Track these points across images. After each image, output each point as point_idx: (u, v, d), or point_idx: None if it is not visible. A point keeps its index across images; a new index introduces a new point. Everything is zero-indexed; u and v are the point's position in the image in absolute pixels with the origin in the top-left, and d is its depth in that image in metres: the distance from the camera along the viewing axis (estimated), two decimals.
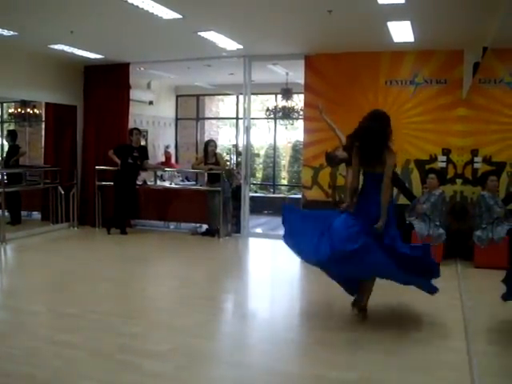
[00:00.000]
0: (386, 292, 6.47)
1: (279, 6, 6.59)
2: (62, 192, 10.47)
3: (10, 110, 13.46)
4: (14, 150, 10.90)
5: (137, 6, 6.43)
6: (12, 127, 13.09)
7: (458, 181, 8.74)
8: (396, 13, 6.58)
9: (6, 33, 7.97)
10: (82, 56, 9.73)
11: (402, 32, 7.55)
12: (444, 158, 8.79)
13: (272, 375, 4.12)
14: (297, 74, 10.61)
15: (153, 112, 14.39)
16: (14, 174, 10.26)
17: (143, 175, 10.73)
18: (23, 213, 11.06)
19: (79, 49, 9.23)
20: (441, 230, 7.80)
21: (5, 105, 13.87)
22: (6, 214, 9.59)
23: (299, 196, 10.71)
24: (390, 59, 8.96)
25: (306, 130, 9.66)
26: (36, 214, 11.70)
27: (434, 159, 8.82)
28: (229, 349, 4.74)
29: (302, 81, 9.78)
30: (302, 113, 11.26)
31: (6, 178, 9.55)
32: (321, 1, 6.33)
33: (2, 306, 6.02)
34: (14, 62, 9.31)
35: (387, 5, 6.21)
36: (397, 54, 8.88)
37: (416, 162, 8.90)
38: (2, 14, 7.08)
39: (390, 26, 7.23)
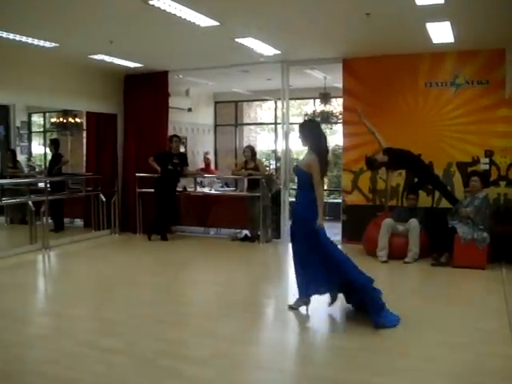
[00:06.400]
0: (425, 296, 6.41)
1: (316, 11, 6.56)
2: (104, 199, 10.61)
3: (53, 120, 13.70)
4: (57, 158, 11.10)
5: (175, 15, 6.48)
6: (54, 136, 13.32)
7: (502, 183, 8.58)
8: (435, 13, 6.49)
9: (47, 45, 8.13)
10: (121, 65, 9.87)
11: (441, 33, 7.44)
12: (487, 160, 8.63)
13: (313, 381, 4.08)
14: (335, 78, 10.55)
15: (192, 119, 14.48)
16: (56, 182, 10.44)
17: (183, 182, 10.79)
18: (66, 220, 11.25)
19: (119, 58, 9.35)
20: (485, 234, 7.63)
21: (47, 114, 14.14)
22: (50, 221, 9.76)
23: (339, 200, 10.63)
24: (430, 61, 8.84)
25: (346, 134, 9.60)
26: (78, 221, 11.90)
27: (476, 161, 8.67)
28: (270, 354, 4.71)
29: (340, 85, 9.73)
30: (340, 117, 11.19)
31: (49, 186, 9.73)
32: (358, 4, 6.28)
33: (46, 312, 6.12)
34: (56, 72, 9.50)
35: (426, 6, 6.13)
36: (436, 56, 8.76)
37: (458, 165, 8.77)
38: (43, 26, 7.24)
39: (428, 27, 7.14)
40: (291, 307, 5.74)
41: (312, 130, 5.68)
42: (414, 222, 8.13)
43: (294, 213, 5.92)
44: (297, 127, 15.29)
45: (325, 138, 5.71)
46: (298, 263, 5.72)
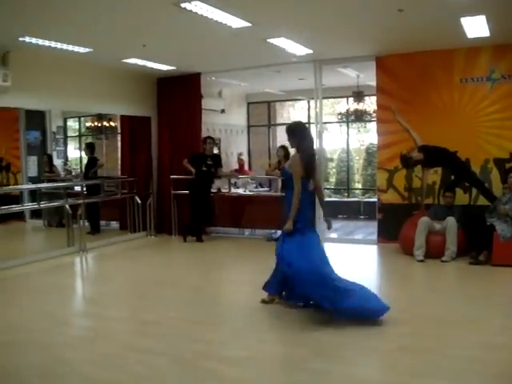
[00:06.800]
0: (463, 295, 6.32)
1: (348, 9, 6.51)
2: (139, 201, 10.71)
3: (88, 124, 13.89)
4: (93, 162, 11.24)
5: (206, 17, 6.51)
6: (90, 140, 13.50)
7: None
8: (470, 8, 6.38)
9: (82, 50, 8.24)
10: (154, 68, 9.95)
11: (476, 27, 7.31)
12: None
13: (353, 382, 4.05)
14: (368, 76, 10.48)
15: (225, 120, 14.52)
16: (92, 185, 10.58)
17: (217, 183, 10.82)
18: (102, 222, 11.39)
19: (151, 61, 9.43)
20: None
21: (82, 119, 14.33)
22: (86, 223, 9.88)
23: (374, 199, 10.54)
24: (465, 56, 8.70)
25: (380, 133, 9.51)
26: (114, 224, 12.03)
27: None
28: (308, 355, 4.69)
29: (373, 83, 9.65)
30: (374, 115, 11.10)
31: (85, 189, 9.85)
32: (391, 0, 6.22)
33: (84, 313, 6.20)
34: (90, 77, 9.60)
35: (460, 0, 6.04)
36: (471, 50, 8.61)
37: (495, 161, 8.61)
38: (77, 32, 7.33)
39: (463, 21, 7.01)
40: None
41: (297, 131, 5.78)
42: (451, 220, 8.02)
43: (285, 215, 5.83)
44: (330, 126, 15.23)
45: (311, 139, 5.78)
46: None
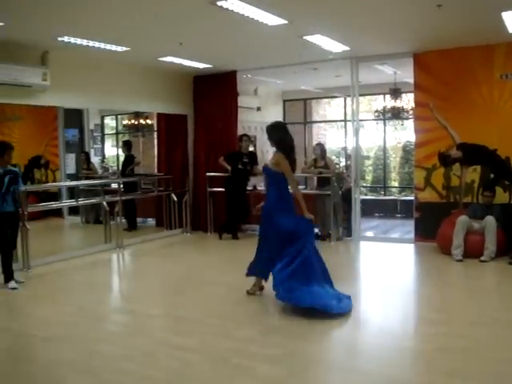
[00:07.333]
0: (502, 296, 6.21)
1: (386, 5, 6.42)
2: (175, 199, 10.78)
3: (125, 122, 14.07)
4: (130, 159, 11.35)
5: (242, 15, 6.50)
6: (126, 138, 13.66)
7: None
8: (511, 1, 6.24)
9: (119, 49, 8.31)
10: (190, 66, 9.99)
11: None
12: None
13: (388, 383, 4.00)
14: (405, 73, 10.34)
15: (260, 118, 14.47)
16: (129, 182, 10.68)
17: (253, 180, 10.82)
18: (139, 219, 11.50)
19: (188, 59, 9.47)
20: None
21: (119, 117, 14.52)
22: (123, 220, 9.98)
23: (411, 198, 10.41)
24: (506, 51, 8.49)
25: (417, 130, 9.38)
26: (151, 221, 12.12)
27: None
28: (343, 354, 4.66)
29: (411, 80, 9.52)
30: (411, 112, 10.97)
31: (122, 186, 9.96)
32: None
33: (121, 309, 6.27)
34: (127, 76, 9.70)
35: None
36: None
37: None
38: (115, 31, 7.40)
39: (504, 16, 6.86)
40: (248, 292, 6.34)
41: (277, 130, 6.14)
42: (490, 219, 7.87)
43: (262, 211, 6.27)
44: (366, 124, 15.15)
45: (290, 137, 6.11)
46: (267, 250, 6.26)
